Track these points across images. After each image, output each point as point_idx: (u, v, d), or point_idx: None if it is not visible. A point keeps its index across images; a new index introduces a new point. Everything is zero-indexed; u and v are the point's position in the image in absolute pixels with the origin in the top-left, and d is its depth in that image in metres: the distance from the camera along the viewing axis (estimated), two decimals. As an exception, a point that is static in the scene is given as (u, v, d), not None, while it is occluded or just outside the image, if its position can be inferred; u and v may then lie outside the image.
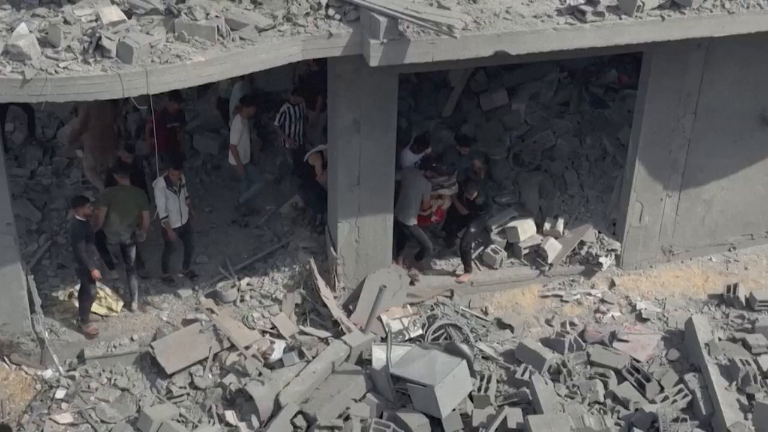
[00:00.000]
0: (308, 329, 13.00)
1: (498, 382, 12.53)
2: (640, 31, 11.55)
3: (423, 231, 13.64)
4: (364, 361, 12.63)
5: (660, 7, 11.57)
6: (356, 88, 12.13)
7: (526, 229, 14.15)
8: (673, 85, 13.04)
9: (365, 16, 11.01)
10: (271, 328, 12.98)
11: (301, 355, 12.58)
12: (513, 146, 15.50)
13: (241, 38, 10.78)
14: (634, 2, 11.37)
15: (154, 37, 10.49)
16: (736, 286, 13.73)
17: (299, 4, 11.07)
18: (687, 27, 11.66)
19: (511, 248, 14.18)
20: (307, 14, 11.09)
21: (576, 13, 11.48)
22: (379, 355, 12.46)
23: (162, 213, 12.95)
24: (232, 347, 12.65)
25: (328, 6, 11.16)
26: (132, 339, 12.82)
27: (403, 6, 10.93)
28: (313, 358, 12.48)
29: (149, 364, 12.57)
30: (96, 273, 12.47)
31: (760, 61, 13.12)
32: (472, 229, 13.69)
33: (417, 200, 13.27)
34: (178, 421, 11.95)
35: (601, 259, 14.02)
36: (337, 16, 11.15)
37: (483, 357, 12.87)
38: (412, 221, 13.41)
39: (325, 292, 13.22)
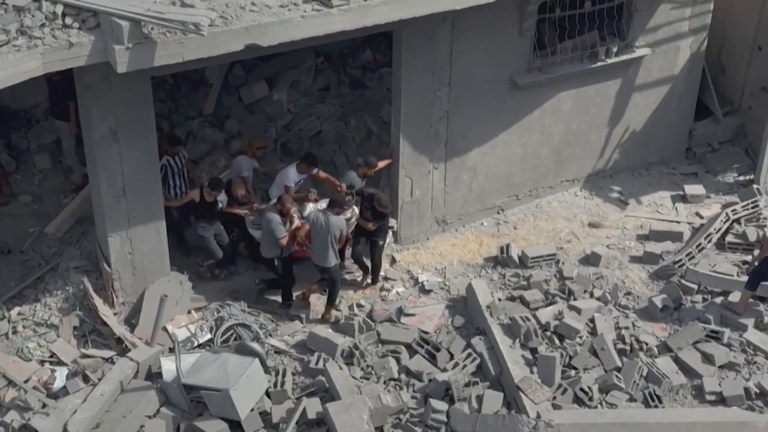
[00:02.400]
0: (90, 351, 12.46)
1: (293, 374, 12.48)
2: (386, 10, 11.68)
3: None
4: (154, 375, 12.26)
5: (403, -15, 11.76)
6: (108, 97, 11.66)
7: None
8: (426, 59, 13.31)
9: (106, 22, 10.58)
10: (50, 356, 12.35)
11: (86, 379, 12.04)
12: (279, 136, 15.45)
13: (-27, 57, 10.13)
14: (377, -17, 11.51)
15: None
16: (508, 246, 14.24)
17: (33, 16, 10.49)
18: (430, 2, 11.90)
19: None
20: (43, 25, 10.52)
21: (322, -2, 11.51)
22: (168, 367, 12.13)
23: None
24: (11, 383, 11.94)
25: (64, 15, 10.63)
26: None
27: (144, 8, 10.58)
28: (99, 380, 11.97)
29: None
30: None
31: (504, 28, 13.59)
32: (381, 243, 13.54)
33: (335, 240, 12.80)
34: (-41, 471, 11.22)
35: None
36: (76, 25, 10.64)
37: (275, 352, 12.76)
38: (333, 261, 12.92)
39: (104, 310, 12.72)
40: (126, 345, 12.46)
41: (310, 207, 13.51)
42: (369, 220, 13.37)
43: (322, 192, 13.86)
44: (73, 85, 12.41)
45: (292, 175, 13.55)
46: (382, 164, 13.88)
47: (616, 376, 12.33)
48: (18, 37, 10.41)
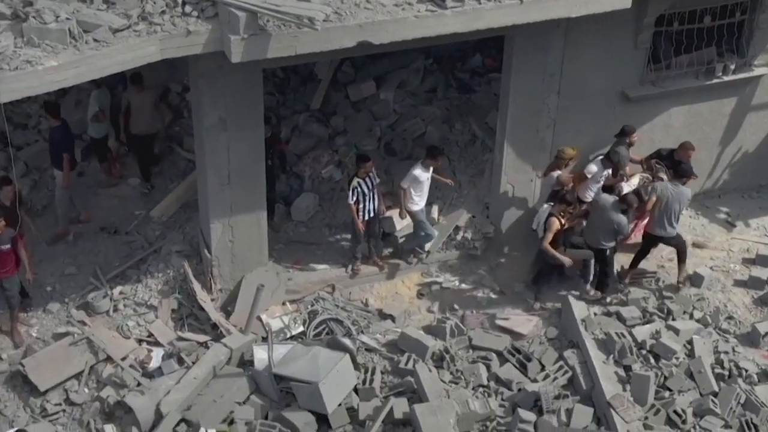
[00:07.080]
0: (186, 334, 12.72)
1: (382, 373, 12.49)
2: (500, 14, 11.61)
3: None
4: (246, 363, 12.43)
5: (518, -11, 11.67)
6: (220, 86, 11.87)
7: (400, 218, 14.14)
8: (536, 66, 13.18)
9: (224, 12, 10.76)
10: (148, 336, 12.65)
11: (181, 361, 12.29)
12: (383, 136, 15.47)
13: (95, 40, 10.39)
14: (493, -14, 11.45)
15: (1, 42, 10.01)
16: (608, 260, 13.99)
17: (154, 3, 10.76)
18: (545, 8, 11.78)
19: (388, 238, 14.15)
20: (163, 12, 10.77)
21: (436, -1, 11.50)
22: (260, 356, 12.27)
23: None
24: (108, 359, 12.27)
25: (184, 3, 10.87)
26: (1, 358, 12.30)
27: (261, 0, 10.73)
28: (193, 363, 12.20)
29: (21, 383, 12.07)
30: None
31: (618, 40, 13.37)
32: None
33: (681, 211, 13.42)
34: (55, 440, 11.55)
35: (477, 243, 14.10)
36: (195, 13, 10.86)
37: (366, 349, 12.79)
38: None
39: (202, 295, 12.95)
40: (221, 331, 12.66)
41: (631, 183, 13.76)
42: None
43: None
44: (69, 134, 12.96)
45: (593, 169, 13.58)
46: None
47: (712, 401, 12.01)
48: (139, 23, 10.68)
